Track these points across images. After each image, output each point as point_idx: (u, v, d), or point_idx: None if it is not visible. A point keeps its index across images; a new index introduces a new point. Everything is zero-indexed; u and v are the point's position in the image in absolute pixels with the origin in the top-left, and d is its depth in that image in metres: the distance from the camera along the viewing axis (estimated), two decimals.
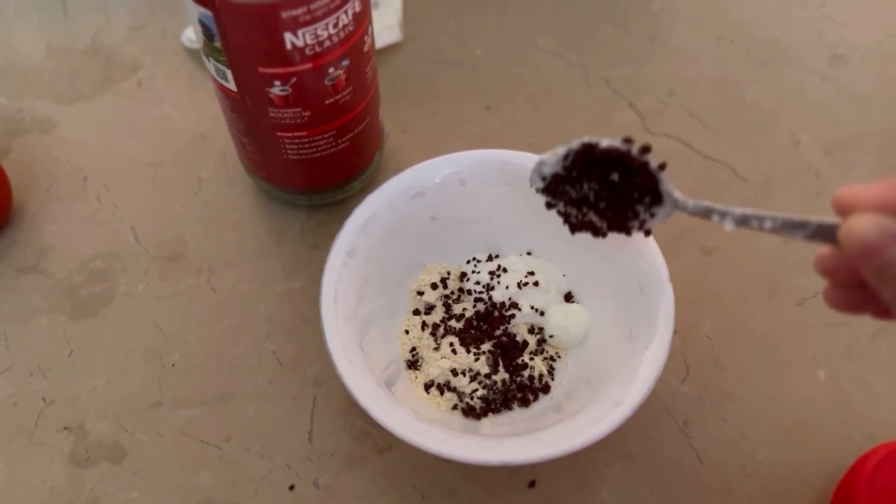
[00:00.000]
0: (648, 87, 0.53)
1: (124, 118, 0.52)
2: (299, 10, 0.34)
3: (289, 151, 0.41)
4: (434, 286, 0.42)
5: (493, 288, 0.42)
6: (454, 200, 0.42)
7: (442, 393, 0.39)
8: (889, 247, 0.24)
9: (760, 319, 0.44)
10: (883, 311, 0.27)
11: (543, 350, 0.41)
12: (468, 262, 0.44)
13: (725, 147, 0.50)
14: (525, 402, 0.39)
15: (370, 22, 0.39)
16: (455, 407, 0.39)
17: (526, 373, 0.40)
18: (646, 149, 0.32)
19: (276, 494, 0.39)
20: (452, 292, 0.43)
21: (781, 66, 0.54)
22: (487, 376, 0.40)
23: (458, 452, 0.33)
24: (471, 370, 0.39)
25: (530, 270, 0.42)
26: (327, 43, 0.36)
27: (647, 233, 0.35)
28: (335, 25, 0.35)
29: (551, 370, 0.40)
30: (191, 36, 0.55)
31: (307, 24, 0.34)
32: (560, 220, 0.37)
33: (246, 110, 0.39)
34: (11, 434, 0.41)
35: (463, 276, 0.43)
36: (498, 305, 0.42)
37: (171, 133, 0.51)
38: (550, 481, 0.39)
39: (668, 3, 0.57)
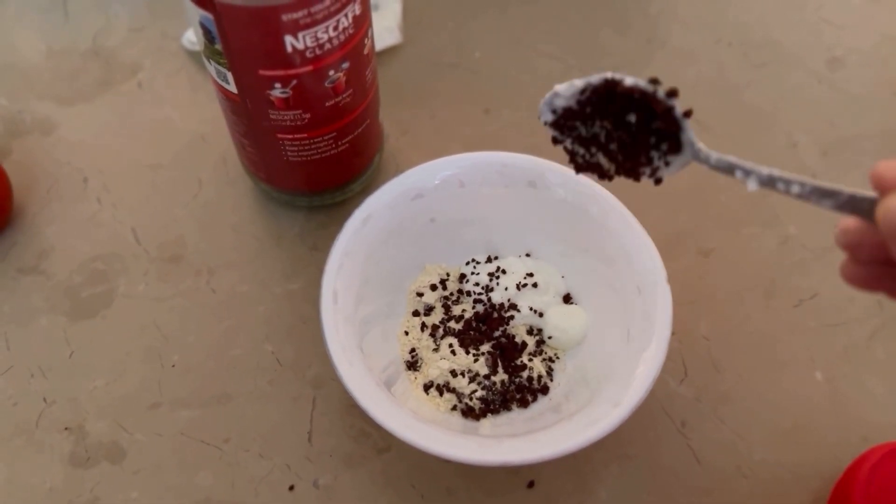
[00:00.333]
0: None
1: (124, 120, 0.52)
2: (300, 13, 0.34)
3: (289, 153, 0.42)
4: (433, 287, 0.42)
5: (492, 289, 0.42)
6: (453, 202, 0.42)
7: (441, 394, 0.39)
8: None
9: (758, 321, 0.44)
10: None
11: (542, 351, 0.41)
12: (467, 263, 0.44)
13: (723, 148, 0.49)
14: (524, 403, 0.39)
15: (370, 25, 0.39)
16: (454, 408, 0.39)
17: (525, 374, 0.40)
18: (672, 93, 0.30)
19: (276, 495, 0.39)
20: (452, 293, 0.43)
21: (779, 68, 0.54)
22: (486, 377, 0.40)
23: (457, 453, 0.33)
24: (470, 371, 0.40)
25: (529, 272, 0.43)
26: (327, 46, 0.36)
27: (658, 181, 0.32)
28: (335, 28, 0.36)
29: (550, 371, 0.41)
30: (191, 38, 0.55)
31: (307, 26, 0.35)
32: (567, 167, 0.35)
33: (246, 112, 0.40)
34: (11, 434, 0.41)
35: (462, 277, 0.43)
36: (497, 307, 0.42)
37: (171, 134, 0.51)
38: (549, 482, 0.39)
39: (666, 6, 0.57)
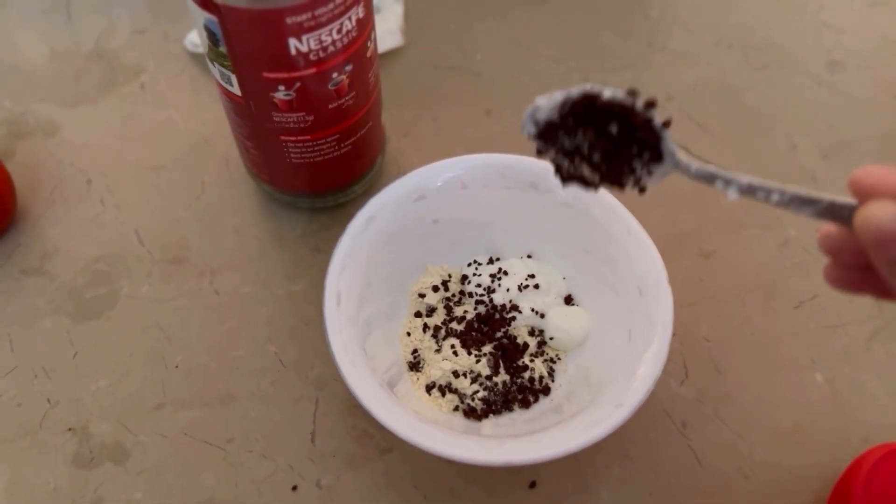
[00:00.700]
0: (647, 91, 0.52)
1: (127, 121, 0.52)
2: (304, 16, 0.34)
3: (292, 155, 0.42)
4: (435, 289, 0.43)
5: (493, 290, 0.42)
6: (455, 204, 0.42)
7: (443, 394, 0.40)
8: None
9: (758, 322, 0.44)
10: (884, 293, 0.26)
11: (544, 352, 0.41)
12: (469, 264, 0.44)
13: (723, 150, 0.50)
14: (525, 404, 0.40)
15: (373, 27, 0.39)
16: (456, 408, 0.39)
17: (526, 374, 0.40)
18: (651, 104, 0.30)
19: (279, 495, 0.39)
20: (453, 295, 0.43)
21: (779, 70, 0.54)
22: (488, 378, 0.40)
23: (459, 453, 0.33)
24: (472, 372, 0.40)
25: (531, 273, 0.43)
26: (331, 48, 0.36)
27: (642, 190, 0.32)
28: (339, 31, 0.36)
29: (551, 372, 0.41)
30: (193, 40, 0.55)
31: (311, 29, 0.35)
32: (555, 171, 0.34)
33: (250, 114, 0.40)
34: (16, 435, 0.41)
35: (464, 278, 0.43)
36: (499, 308, 0.42)
37: (173, 136, 0.51)
38: (551, 482, 0.39)
39: (667, 10, 0.58)
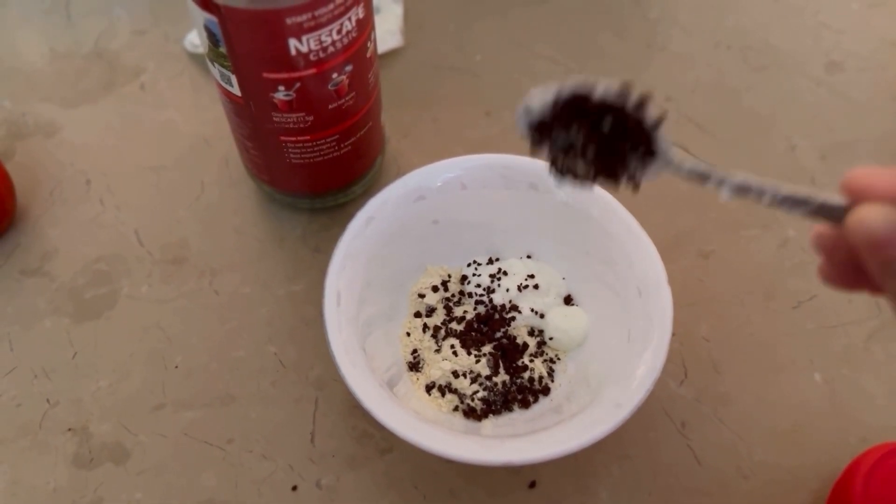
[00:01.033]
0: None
1: (127, 122, 0.52)
2: (304, 17, 0.34)
3: (292, 155, 0.42)
4: (435, 289, 0.43)
5: (493, 291, 0.43)
6: (455, 204, 0.42)
7: (443, 394, 0.40)
8: None
9: (757, 323, 0.44)
10: (878, 289, 0.26)
11: (543, 352, 0.41)
12: (469, 265, 0.44)
13: (722, 151, 0.50)
14: (525, 404, 0.40)
15: (373, 28, 0.39)
16: (456, 408, 0.40)
17: (526, 375, 0.40)
18: (643, 101, 0.30)
19: (279, 495, 0.39)
20: (453, 295, 0.43)
21: (778, 72, 0.54)
22: (488, 378, 0.40)
23: (459, 453, 0.33)
24: (471, 372, 0.40)
25: (530, 273, 0.43)
26: (331, 49, 0.36)
27: (636, 187, 0.32)
28: (339, 31, 0.36)
29: (551, 372, 0.41)
30: (193, 40, 0.55)
31: (311, 30, 0.35)
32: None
33: (250, 115, 0.40)
34: (16, 435, 0.41)
35: (464, 278, 0.44)
36: (498, 308, 0.42)
37: (173, 137, 0.51)
38: (550, 482, 0.39)
39: (665, 11, 0.58)
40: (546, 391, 0.40)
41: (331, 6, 0.34)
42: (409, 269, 0.43)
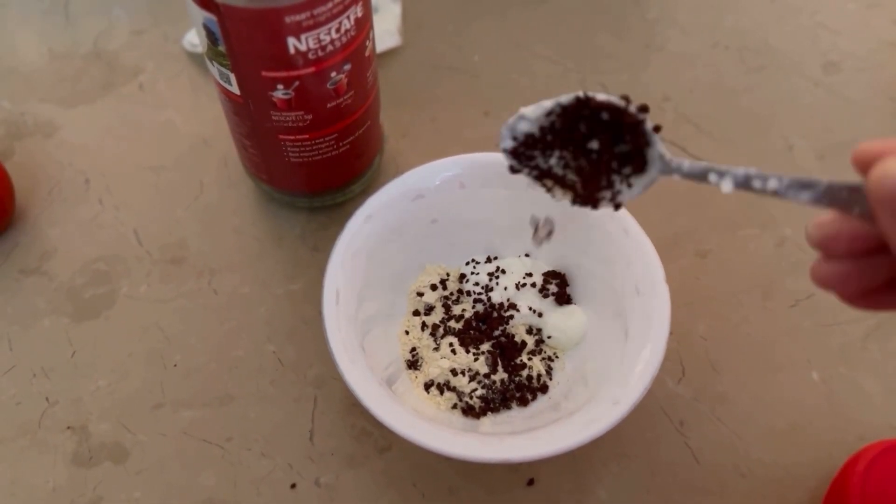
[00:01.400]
0: (644, 92, 0.53)
1: (126, 122, 0.52)
2: (303, 16, 0.34)
3: (290, 154, 0.42)
4: (433, 287, 0.43)
5: (491, 289, 0.43)
6: (454, 203, 0.42)
7: (442, 392, 0.40)
8: None
9: (755, 322, 0.44)
10: (870, 289, 0.26)
11: (542, 350, 0.41)
12: (467, 263, 0.44)
13: (720, 151, 0.51)
14: (524, 402, 0.40)
15: (371, 27, 0.39)
16: (455, 406, 0.40)
17: (524, 373, 0.40)
18: (643, 108, 0.30)
19: (278, 494, 0.39)
20: (452, 293, 0.43)
21: (775, 72, 0.55)
22: (486, 376, 0.40)
23: (458, 450, 0.33)
24: (470, 370, 0.40)
25: (528, 272, 0.43)
26: (330, 47, 0.36)
27: (618, 206, 0.32)
28: (338, 30, 0.36)
29: (549, 370, 0.41)
30: (192, 40, 0.55)
31: (310, 28, 0.35)
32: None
33: (249, 113, 0.40)
34: (15, 434, 0.41)
35: (462, 277, 0.44)
36: (497, 306, 0.42)
37: (172, 137, 0.52)
38: (549, 480, 0.39)
39: (664, 11, 0.58)
40: (544, 389, 0.40)
41: (329, 5, 0.35)
42: (408, 267, 0.43)
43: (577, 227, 0.41)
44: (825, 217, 0.26)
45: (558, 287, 0.43)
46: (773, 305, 0.45)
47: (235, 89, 0.39)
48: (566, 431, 0.34)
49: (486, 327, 0.42)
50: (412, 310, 0.43)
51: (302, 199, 0.47)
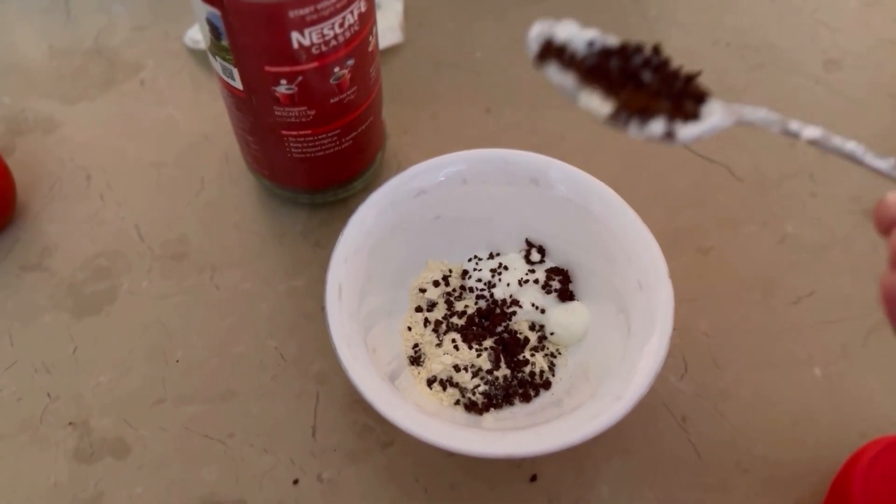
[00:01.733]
0: None
1: (127, 118, 0.52)
2: (306, 10, 0.34)
3: (293, 150, 0.42)
4: (436, 283, 0.43)
5: (494, 285, 0.43)
6: (456, 199, 0.42)
7: (444, 388, 0.40)
8: None
9: (757, 318, 0.44)
10: None
11: (544, 346, 0.41)
12: (469, 259, 0.44)
13: (722, 148, 0.51)
14: (526, 398, 0.40)
15: (375, 22, 0.39)
16: (457, 402, 0.40)
17: (527, 369, 0.40)
18: (692, 77, 0.27)
19: (280, 489, 0.39)
20: (454, 290, 0.43)
21: (776, 70, 0.55)
22: (489, 372, 0.40)
23: (461, 445, 0.33)
24: (473, 366, 0.40)
25: (531, 268, 0.43)
26: (333, 42, 0.36)
27: (670, 136, 0.28)
28: (341, 25, 0.36)
29: (552, 366, 0.41)
30: (193, 37, 0.55)
31: (314, 23, 0.35)
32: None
33: (251, 109, 0.40)
34: (16, 430, 0.41)
35: (464, 273, 0.44)
36: (499, 302, 0.42)
37: (173, 133, 0.51)
38: (551, 476, 0.39)
39: (664, 9, 0.58)
40: (547, 385, 0.40)
41: (333, 0, 0.35)
42: (411, 263, 0.43)
43: (579, 222, 0.41)
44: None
45: (561, 283, 0.43)
46: (775, 302, 0.45)
47: (238, 84, 0.39)
48: (568, 427, 0.34)
49: (488, 323, 0.42)
50: (415, 306, 0.43)
51: (304, 195, 0.47)
